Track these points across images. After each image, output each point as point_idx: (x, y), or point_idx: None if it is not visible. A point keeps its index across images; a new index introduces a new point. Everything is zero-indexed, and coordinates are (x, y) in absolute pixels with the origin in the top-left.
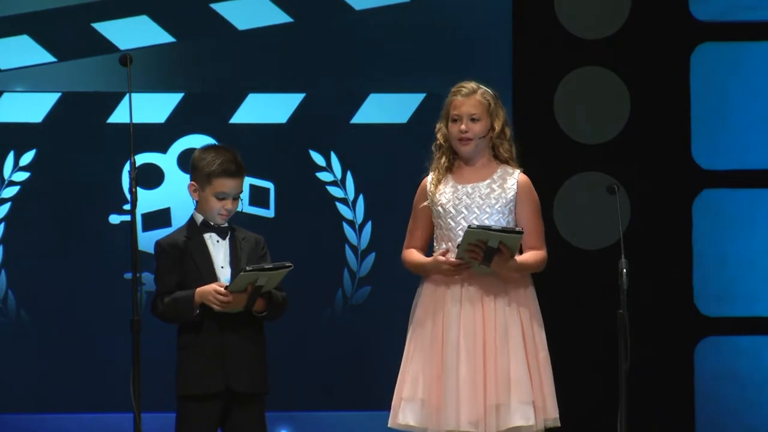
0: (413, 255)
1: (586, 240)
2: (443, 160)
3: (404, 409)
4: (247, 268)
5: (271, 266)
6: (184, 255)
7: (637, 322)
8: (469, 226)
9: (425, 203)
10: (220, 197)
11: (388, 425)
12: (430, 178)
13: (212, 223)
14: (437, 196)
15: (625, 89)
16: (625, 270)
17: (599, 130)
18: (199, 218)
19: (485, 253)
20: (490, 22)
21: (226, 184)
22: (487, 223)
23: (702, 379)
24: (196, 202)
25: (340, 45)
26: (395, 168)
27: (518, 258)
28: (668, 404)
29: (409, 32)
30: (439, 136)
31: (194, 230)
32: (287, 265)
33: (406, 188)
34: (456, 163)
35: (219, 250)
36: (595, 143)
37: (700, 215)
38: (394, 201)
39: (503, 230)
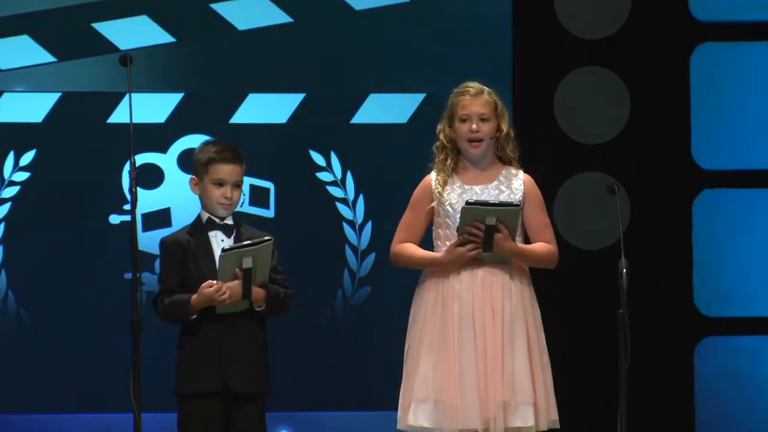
0: (414, 249)
1: (586, 240)
2: (449, 161)
3: (416, 411)
4: (225, 248)
5: (250, 242)
6: (187, 253)
7: (637, 322)
8: (466, 202)
9: (432, 204)
10: (218, 183)
11: (398, 427)
12: (434, 178)
13: (217, 220)
14: (445, 195)
15: (625, 89)
16: (625, 270)
17: (599, 130)
18: (205, 216)
19: (486, 236)
20: (490, 22)
21: (223, 170)
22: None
23: (702, 379)
24: (200, 198)
25: (340, 45)
26: (395, 168)
27: (522, 245)
28: (668, 404)
29: (409, 32)
30: (441, 137)
31: (199, 228)
32: (267, 239)
33: (406, 188)
34: (461, 163)
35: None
36: (595, 143)
37: (700, 215)
38: (394, 201)
39: (500, 204)
